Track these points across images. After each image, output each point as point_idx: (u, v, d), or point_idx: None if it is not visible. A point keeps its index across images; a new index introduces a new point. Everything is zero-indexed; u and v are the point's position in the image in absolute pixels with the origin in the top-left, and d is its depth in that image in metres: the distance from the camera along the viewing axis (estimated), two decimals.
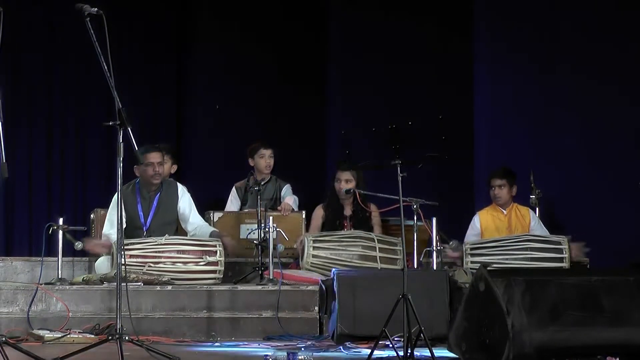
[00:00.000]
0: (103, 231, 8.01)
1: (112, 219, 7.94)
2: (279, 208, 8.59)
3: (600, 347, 5.45)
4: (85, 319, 7.03)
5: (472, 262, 7.79)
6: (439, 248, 7.82)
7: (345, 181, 8.32)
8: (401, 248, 7.79)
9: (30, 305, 7.07)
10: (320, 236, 8.03)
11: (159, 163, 8.01)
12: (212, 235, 7.96)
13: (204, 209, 8.52)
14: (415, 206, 7.64)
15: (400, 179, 5.90)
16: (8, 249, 10.34)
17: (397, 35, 10.44)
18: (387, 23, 10.51)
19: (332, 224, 8.41)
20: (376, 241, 7.91)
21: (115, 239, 7.63)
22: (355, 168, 8.25)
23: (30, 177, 10.61)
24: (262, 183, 8.54)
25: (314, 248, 7.86)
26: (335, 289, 6.82)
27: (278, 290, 7.30)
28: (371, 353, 5.62)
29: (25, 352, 5.33)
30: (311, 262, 7.82)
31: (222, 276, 7.65)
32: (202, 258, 7.64)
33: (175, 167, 8.86)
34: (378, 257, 7.83)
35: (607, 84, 8.59)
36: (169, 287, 7.32)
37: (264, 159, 8.86)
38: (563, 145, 9.01)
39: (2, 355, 5.07)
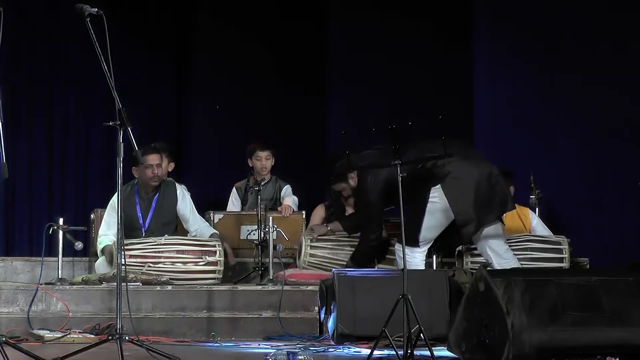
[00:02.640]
0: (99, 233, 8.02)
1: (108, 220, 7.95)
2: (279, 209, 8.60)
3: (600, 347, 5.45)
4: (85, 319, 7.03)
5: (472, 262, 7.80)
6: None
7: (352, 180, 8.33)
8: (399, 248, 7.83)
9: (30, 305, 7.07)
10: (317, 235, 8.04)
11: (157, 165, 8.02)
12: (211, 237, 7.97)
13: (204, 209, 8.52)
14: None
15: (400, 179, 5.90)
16: (8, 249, 10.34)
17: (397, 35, 10.44)
18: (387, 23, 10.51)
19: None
20: None
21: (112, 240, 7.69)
22: (356, 168, 8.25)
23: (30, 177, 10.61)
24: (262, 183, 8.55)
25: (311, 247, 7.87)
26: (335, 289, 6.82)
27: (280, 290, 7.29)
28: (371, 353, 5.62)
29: (25, 352, 5.33)
30: (308, 261, 7.83)
31: (221, 276, 7.66)
32: (202, 258, 7.65)
33: (172, 165, 8.85)
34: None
35: (607, 84, 8.59)
36: (169, 287, 7.32)
37: (260, 162, 8.88)
38: (563, 145, 9.01)
39: (2, 355, 5.07)
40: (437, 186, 7.12)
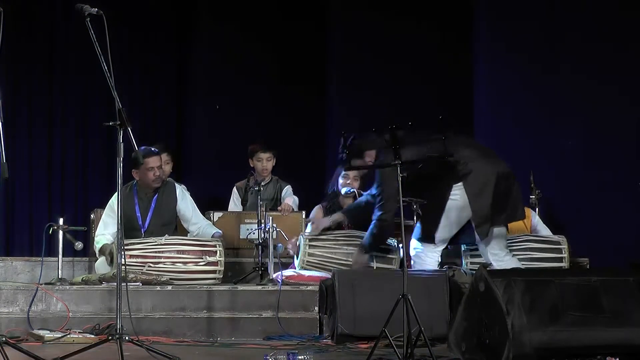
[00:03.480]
0: (96, 232, 8.02)
1: (106, 220, 7.96)
2: (279, 208, 8.60)
3: (600, 347, 5.45)
4: (85, 319, 7.03)
5: (471, 263, 7.80)
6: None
7: (354, 178, 8.33)
8: (395, 248, 7.84)
9: (30, 305, 7.07)
10: (316, 235, 8.03)
11: (158, 167, 8.01)
12: (214, 237, 7.98)
13: (204, 208, 8.52)
14: (415, 206, 7.65)
15: (400, 179, 5.90)
16: (8, 249, 10.34)
17: (397, 35, 10.44)
18: (387, 23, 10.52)
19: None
20: None
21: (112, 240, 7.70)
22: (356, 168, 8.26)
23: (30, 177, 10.62)
24: (263, 184, 8.55)
25: (310, 247, 7.86)
26: (335, 289, 6.82)
27: (278, 290, 7.30)
28: (371, 353, 5.62)
29: (25, 352, 5.33)
30: (307, 261, 7.83)
31: (222, 276, 7.66)
32: (202, 258, 7.65)
33: (171, 164, 8.90)
34: (374, 256, 7.83)
35: (607, 84, 8.59)
36: (169, 287, 7.32)
37: (261, 163, 8.89)
38: (563, 145, 9.01)
39: (2, 355, 5.07)
40: (459, 184, 7.13)
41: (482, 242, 7.32)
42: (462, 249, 7.91)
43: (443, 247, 7.37)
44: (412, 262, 7.45)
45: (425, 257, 7.23)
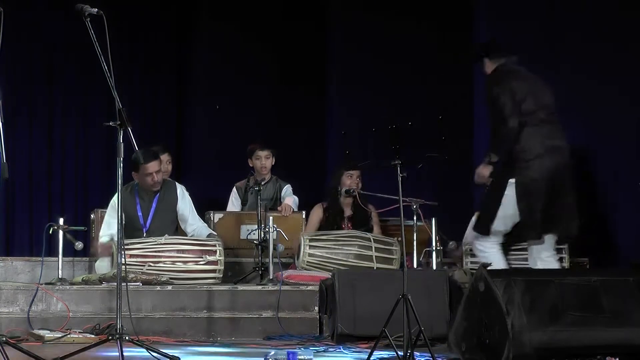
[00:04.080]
0: (100, 233, 8.01)
1: (109, 220, 7.95)
2: (279, 209, 8.60)
3: (600, 347, 5.45)
4: (86, 319, 7.03)
5: (472, 262, 7.80)
6: (439, 248, 7.82)
7: (357, 177, 8.35)
8: (397, 248, 7.85)
9: (30, 305, 7.07)
10: (317, 235, 8.04)
11: (157, 172, 7.99)
12: (209, 237, 7.98)
13: (203, 209, 8.53)
14: (415, 206, 7.67)
15: (400, 179, 5.90)
16: (8, 249, 10.35)
17: (397, 35, 10.44)
18: (387, 23, 10.52)
19: (330, 225, 8.41)
20: (372, 241, 7.92)
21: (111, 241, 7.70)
22: (357, 167, 8.28)
23: (30, 177, 10.62)
24: (263, 183, 8.56)
25: (310, 247, 7.87)
26: (335, 289, 6.83)
27: (278, 290, 7.30)
28: (371, 353, 5.63)
29: (25, 352, 5.33)
30: (307, 261, 7.83)
31: (222, 276, 7.66)
32: (202, 258, 7.65)
33: (171, 164, 8.90)
34: (374, 257, 7.84)
35: (607, 84, 8.58)
36: (169, 287, 7.32)
37: (260, 161, 8.89)
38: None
39: (3, 355, 5.07)
40: (513, 180, 6.97)
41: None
42: (464, 247, 7.92)
43: (499, 240, 7.07)
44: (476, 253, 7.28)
45: (484, 253, 7.06)
